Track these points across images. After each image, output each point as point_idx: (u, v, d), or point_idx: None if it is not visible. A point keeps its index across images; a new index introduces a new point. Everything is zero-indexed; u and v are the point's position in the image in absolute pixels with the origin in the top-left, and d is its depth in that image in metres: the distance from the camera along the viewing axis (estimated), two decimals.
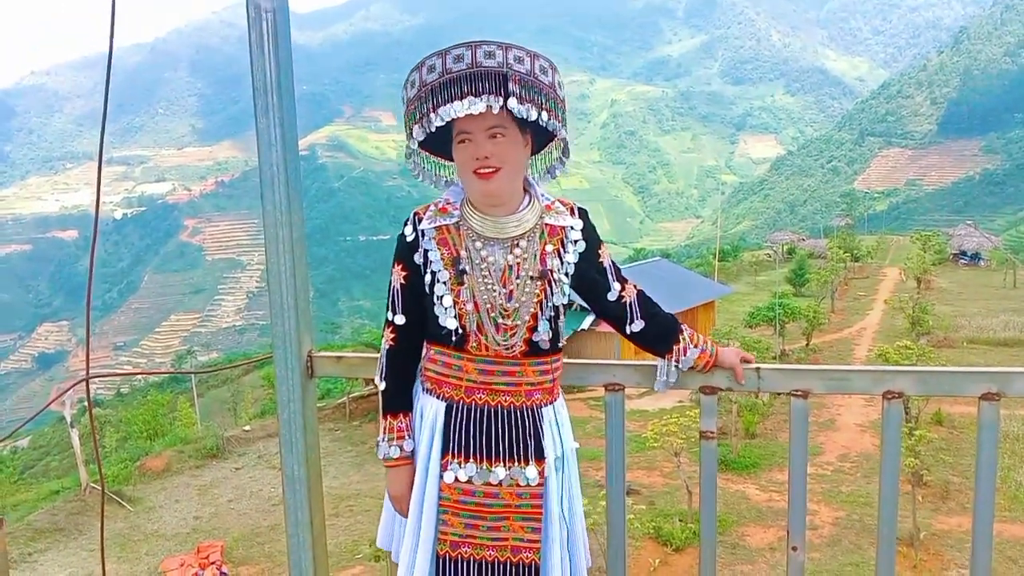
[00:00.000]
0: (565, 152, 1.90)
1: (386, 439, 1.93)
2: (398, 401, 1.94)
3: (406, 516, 1.95)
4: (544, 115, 1.71)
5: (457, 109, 1.67)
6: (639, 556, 12.98)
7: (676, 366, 2.01)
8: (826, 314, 31.05)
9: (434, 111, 1.69)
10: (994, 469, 1.95)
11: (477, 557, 1.85)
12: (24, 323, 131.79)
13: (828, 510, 14.73)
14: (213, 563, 14.10)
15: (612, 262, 1.96)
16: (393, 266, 1.90)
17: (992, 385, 1.91)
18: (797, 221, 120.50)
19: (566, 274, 1.87)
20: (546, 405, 1.90)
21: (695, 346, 2.01)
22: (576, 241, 1.89)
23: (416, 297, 1.88)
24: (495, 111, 1.68)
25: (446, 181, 1.94)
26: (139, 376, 47.46)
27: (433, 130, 1.72)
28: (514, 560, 1.86)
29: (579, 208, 1.93)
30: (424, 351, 1.94)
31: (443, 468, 1.85)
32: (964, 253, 51.25)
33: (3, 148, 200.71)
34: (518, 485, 1.84)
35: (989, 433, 1.92)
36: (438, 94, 1.68)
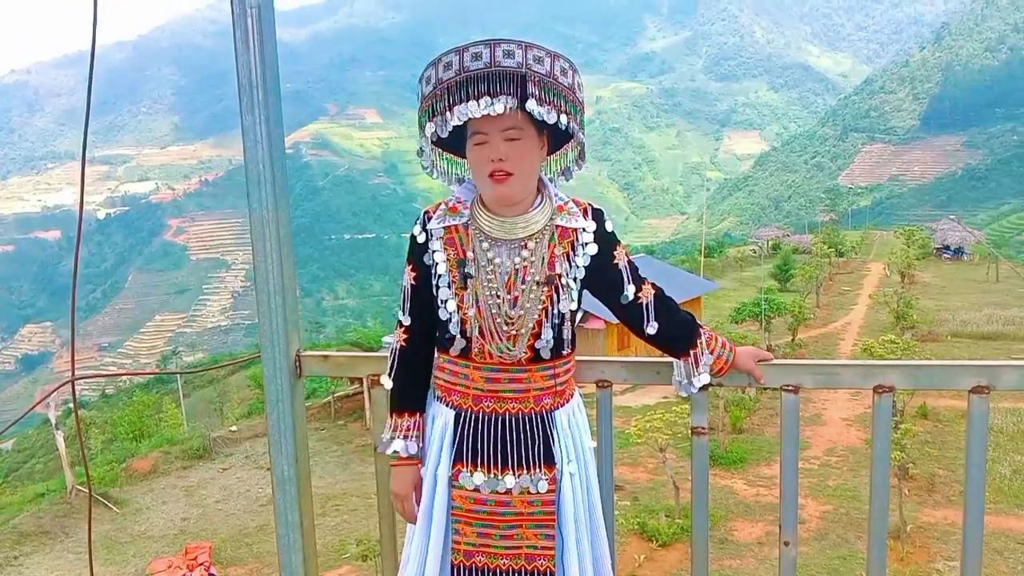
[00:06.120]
0: (582, 155, 1.86)
1: (391, 437, 1.92)
2: (406, 400, 1.93)
3: (408, 518, 1.95)
4: (563, 118, 1.67)
5: (473, 109, 1.63)
6: (624, 552, 13.01)
7: (697, 371, 1.94)
8: (811, 309, 31.26)
9: (450, 110, 1.65)
10: (983, 462, 1.95)
11: (492, 566, 1.82)
12: (7, 325, 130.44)
13: (815, 504, 14.82)
14: (201, 564, 14.03)
15: (629, 263, 1.89)
16: (406, 266, 1.88)
17: (982, 379, 1.90)
18: (782, 217, 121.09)
19: (575, 279, 1.82)
20: (557, 409, 1.86)
21: (710, 352, 1.94)
22: (587, 244, 1.83)
23: (425, 299, 1.85)
24: (511, 112, 1.64)
25: (459, 179, 1.90)
26: (124, 377, 47.15)
27: (449, 129, 1.68)
28: (528, 568, 1.82)
29: (595, 209, 1.88)
30: (435, 358, 1.92)
31: (454, 477, 1.82)
32: (947, 248, 51.62)
33: None
34: (529, 493, 1.81)
35: (979, 426, 1.92)
36: (454, 92, 1.64)
